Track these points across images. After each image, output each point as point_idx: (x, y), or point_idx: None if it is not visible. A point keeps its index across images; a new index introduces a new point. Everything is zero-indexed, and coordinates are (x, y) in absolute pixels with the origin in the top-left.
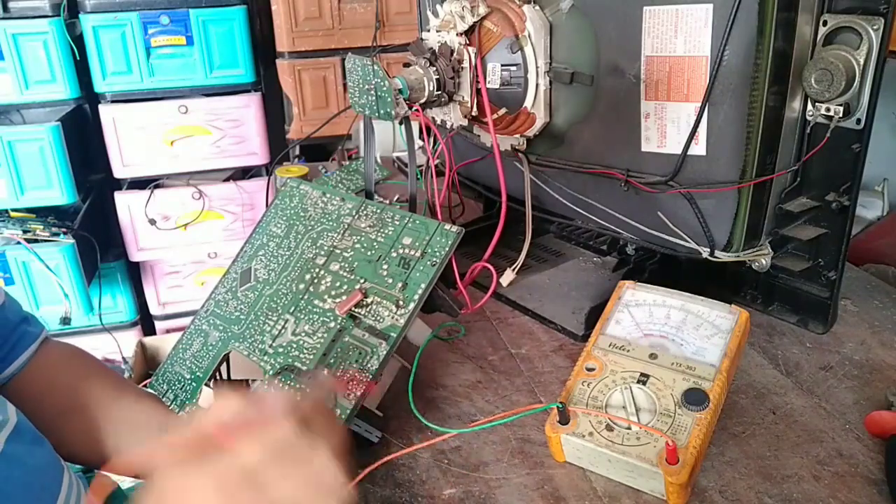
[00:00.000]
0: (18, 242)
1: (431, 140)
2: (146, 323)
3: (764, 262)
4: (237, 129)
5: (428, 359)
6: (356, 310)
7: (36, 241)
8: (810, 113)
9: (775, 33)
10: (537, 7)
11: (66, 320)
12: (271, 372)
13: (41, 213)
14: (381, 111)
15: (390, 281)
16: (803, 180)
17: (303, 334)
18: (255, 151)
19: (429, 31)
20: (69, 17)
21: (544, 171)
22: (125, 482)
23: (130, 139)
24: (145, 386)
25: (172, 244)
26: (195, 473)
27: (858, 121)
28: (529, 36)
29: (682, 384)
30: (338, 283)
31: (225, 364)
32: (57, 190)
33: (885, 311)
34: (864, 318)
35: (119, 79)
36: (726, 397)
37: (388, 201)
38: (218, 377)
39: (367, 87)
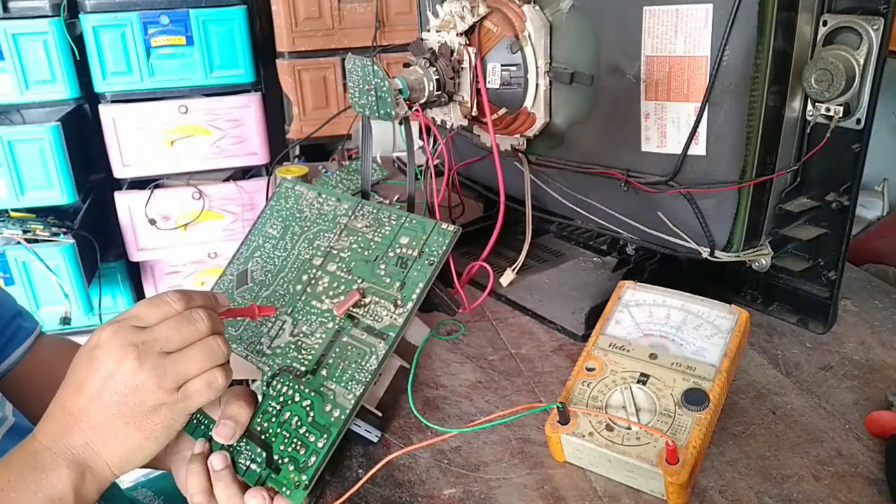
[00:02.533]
0: (18, 242)
1: (431, 140)
2: None
3: (764, 262)
4: (237, 129)
5: (428, 359)
6: (354, 310)
7: (36, 241)
8: (810, 113)
9: (775, 33)
10: (537, 7)
11: (66, 320)
12: (269, 373)
13: (41, 213)
14: (381, 111)
15: (388, 280)
16: (803, 180)
17: (301, 335)
18: (255, 151)
19: (429, 31)
20: (69, 17)
21: (544, 171)
22: (125, 482)
23: (130, 139)
24: None
25: (172, 244)
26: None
27: (858, 121)
28: (529, 36)
29: (682, 384)
30: (335, 284)
31: None
32: (57, 190)
33: (885, 311)
34: (864, 318)
35: (119, 79)
36: (726, 397)
37: (387, 201)
38: None
39: (367, 87)
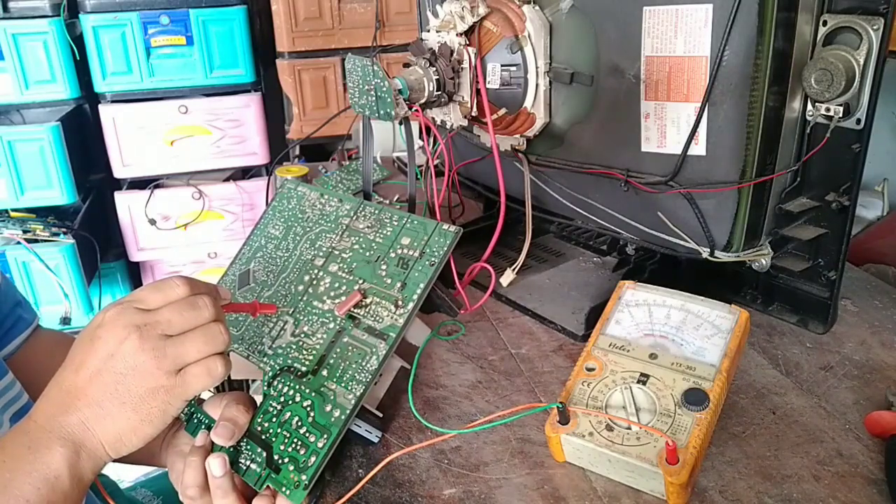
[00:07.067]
0: (18, 242)
1: (431, 140)
2: None
3: (764, 262)
4: (237, 129)
5: (428, 359)
6: (355, 310)
7: (36, 241)
8: (810, 113)
9: (775, 33)
10: (537, 7)
11: (66, 320)
12: (270, 373)
13: (41, 213)
14: (381, 111)
15: (389, 281)
16: (803, 180)
17: (302, 335)
18: (255, 151)
19: (429, 31)
20: (69, 17)
21: (544, 171)
22: (125, 482)
23: (130, 139)
24: None
25: (172, 244)
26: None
27: (858, 121)
28: (529, 36)
29: (682, 384)
30: (336, 284)
31: None
32: (57, 190)
33: (885, 311)
34: (864, 318)
35: (119, 79)
36: (726, 397)
37: (387, 201)
38: None
39: (367, 87)
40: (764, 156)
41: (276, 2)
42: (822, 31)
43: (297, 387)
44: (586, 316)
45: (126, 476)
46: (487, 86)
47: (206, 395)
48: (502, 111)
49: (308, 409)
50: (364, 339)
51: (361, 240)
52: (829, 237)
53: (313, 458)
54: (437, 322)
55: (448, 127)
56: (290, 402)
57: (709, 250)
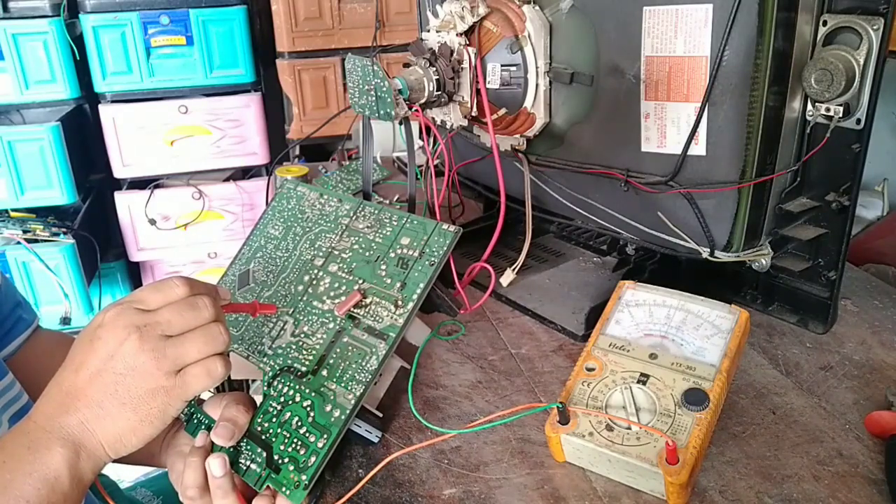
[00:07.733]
0: (18, 242)
1: (431, 140)
2: None
3: (764, 262)
4: (237, 129)
5: (428, 359)
6: (355, 310)
7: (36, 241)
8: (810, 113)
9: (775, 33)
10: (537, 7)
11: (66, 320)
12: (270, 373)
13: (41, 213)
14: (381, 111)
15: (388, 281)
16: (803, 180)
17: (302, 335)
18: (255, 151)
19: (429, 31)
20: (69, 17)
21: (544, 171)
22: (125, 482)
23: (130, 139)
24: None
25: (172, 244)
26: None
27: (858, 121)
28: (529, 36)
29: (682, 384)
30: (336, 284)
31: None
32: (57, 190)
33: (885, 311)
34: (864, 318)
35: (119, 79)
36: (726, 397)
37: (387, 201)
38: None
39: (367, 87)
40: (764, 156)
41: (276, 2)
42: (822, 31)
43: (297, 387)
44: (586, 316)
45: (126, 476)
46: (487, 86)
47: (206, 396)
48: (502, 111)
49: (308, 409)
50: (364, 339)
51: (361, 240)
52: (829, 237)
53: (313, 458)
54: (437, 322)
55: (448, 127)
56: (290, 402)
57: (709, 250)
